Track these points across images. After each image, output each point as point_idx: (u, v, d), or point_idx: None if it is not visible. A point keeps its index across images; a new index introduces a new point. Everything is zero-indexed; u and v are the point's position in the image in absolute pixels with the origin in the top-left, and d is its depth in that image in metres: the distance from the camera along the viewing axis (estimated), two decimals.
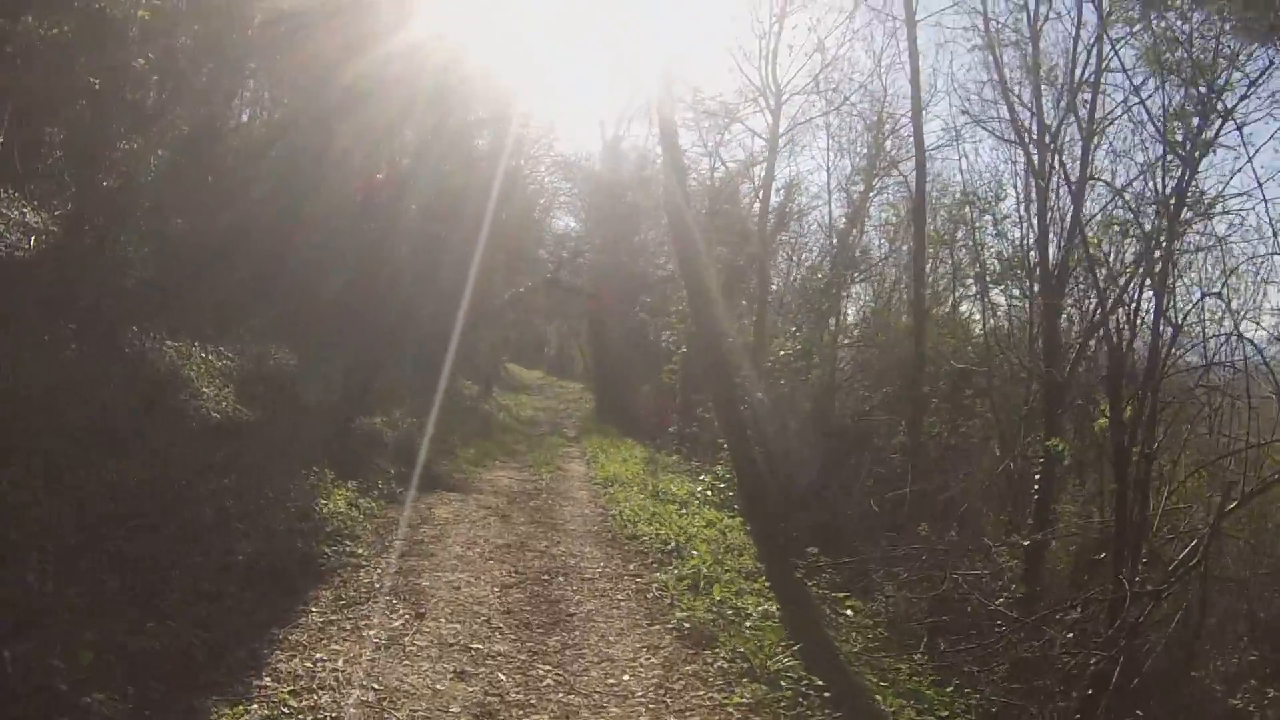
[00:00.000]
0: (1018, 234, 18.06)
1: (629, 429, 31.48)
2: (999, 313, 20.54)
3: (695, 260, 16.56)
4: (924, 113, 26.20)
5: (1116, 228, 13.05)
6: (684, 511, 15.01)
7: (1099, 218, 14.73)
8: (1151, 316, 11.36)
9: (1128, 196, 13.20)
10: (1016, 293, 19.11)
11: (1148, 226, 12.18)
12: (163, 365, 13.13)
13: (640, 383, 40.84)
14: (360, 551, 10.52)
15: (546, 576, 10.39)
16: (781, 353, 21.71)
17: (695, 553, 11.55)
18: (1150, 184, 12.77)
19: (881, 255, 26.49)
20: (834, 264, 24.78)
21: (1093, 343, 15.89)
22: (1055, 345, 15.74)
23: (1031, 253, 17.15)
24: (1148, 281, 11.46)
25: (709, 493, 16.83)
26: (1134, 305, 12.16)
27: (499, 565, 10.69)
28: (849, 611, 10.72)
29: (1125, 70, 13.00)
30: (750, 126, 27.05)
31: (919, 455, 15.14)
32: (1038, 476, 14.77)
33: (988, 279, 19.51)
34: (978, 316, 22.09)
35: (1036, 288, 16.94)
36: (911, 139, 19.42)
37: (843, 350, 23.65)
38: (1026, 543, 12.30)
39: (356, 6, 15.01)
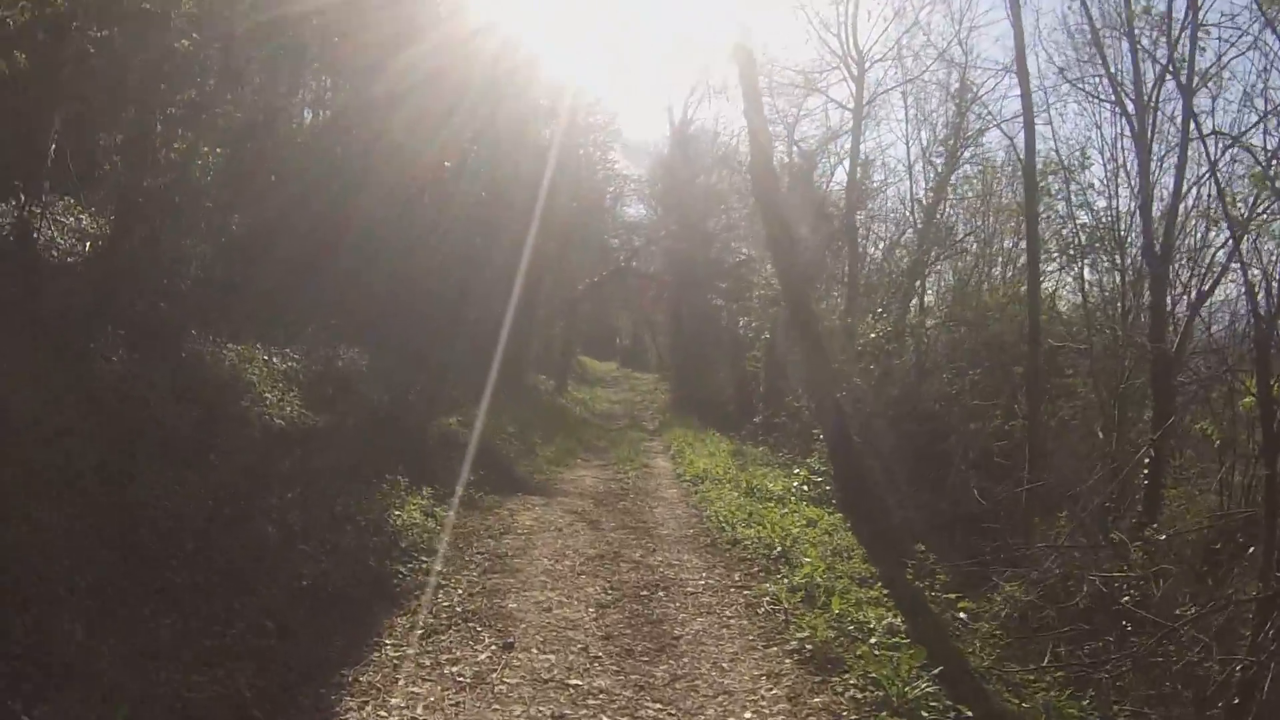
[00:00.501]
0: (1102, 203, 16.88)
1: (709, 419, 30.40)
2: (1088, 287, 19.25)
3: (784, 240, 15.43)
4: (1011, 74, 24.95)
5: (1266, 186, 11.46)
6: (783, 510, 13.86)
7: (1242, 174, 13.16)
8: None
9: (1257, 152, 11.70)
10: (1106, 265, 17.67)
11: None
12: (223, 370, 12.28)
13: (717, 371, 39.85)
14: (439, 568, 9.54)
15: (645, 592, 9.28)
16: (872, 335, 20.34)
17: (805, 559, 10.36)
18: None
19: (966, 230, 24.94)
20: (921, 239, 23.35)
21: (1203, 314, 14.54)
22: (1161, 317, 14.28)
23: (1123, 221, 15.80)
24: None
25: (805, 487, 15.65)
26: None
27: (592, 580, 9.61)
28: (962, 614, 9.56)
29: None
30: (833, 97, 25.49)
31: (1035, 442, 13.73)
32: (1148, 462, 13.35)
33: (1073, 251, 18.02)
34: (1062, 292, 20.74)
35: (1130, 259, 15.62)
36: (1003, 101, 17.95)
37: (930, 331, 22.17)
38: (1163, 537, 10.90)
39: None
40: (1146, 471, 13.11)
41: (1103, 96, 15.48)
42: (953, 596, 10.13)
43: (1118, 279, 16.26)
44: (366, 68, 14.62)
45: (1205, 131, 13.62)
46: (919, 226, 24.74)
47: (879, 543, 12.11)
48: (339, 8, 13.73)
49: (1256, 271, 11.11)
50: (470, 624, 7.95)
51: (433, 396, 18.47)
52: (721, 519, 12.82)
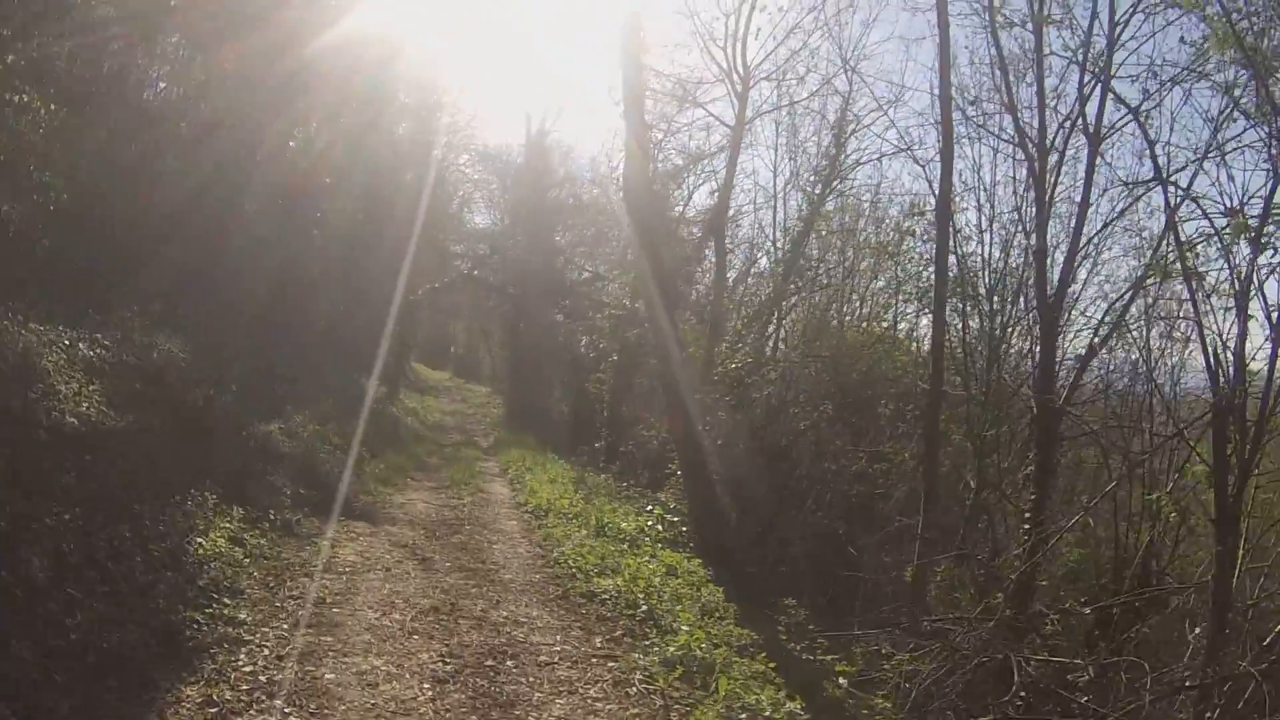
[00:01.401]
0: (973, 248, 16.09)
1: (545, 438, 29.05)
2: (952, 331, 18.89)
3: (655, 258, 14.19)
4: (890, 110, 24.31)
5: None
6: (636, 552, 12.58)
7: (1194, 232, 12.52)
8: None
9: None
10: (986, 310, 17.14)
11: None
12: (10, 354, 10.26)
13: (552, 388, 38.58)
14: (243, 617, 7.83)
15: (491, 661, 7.74)
16: (732, 365, 19.26)
17: (680, 625, 9.03)
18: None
19: (828, 265, 24.15)
20: (786, 269, 22.43)
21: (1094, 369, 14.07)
22: (1050, 368, 13.65)
23: (1009, 267, 15.29)
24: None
25: (659, 527, 14.37)
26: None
27: (426, 642, 8.03)
28: (843, 681, 8.54)
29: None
30: (712, 112, 24.17)
31: (930, 489, 12.82)
32: (1028, 514, 12.63)
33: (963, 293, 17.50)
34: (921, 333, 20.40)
35: (1014, 307, 15.11)
36: (883, 135, 17.19)
37: (787, 365, 21.27)
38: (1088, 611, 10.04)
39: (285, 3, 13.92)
40: (1027, 525, 12.35)
41: (1004, 137, 14.78)
42: (833, 660, 9.08)
43: (995, 325, 15.61)
44: (254, 71, 13.63)
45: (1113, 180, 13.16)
46: (783, 255, 23.88)
47: (745, 596, 10.97)
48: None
49: (1211, 330, 10.28)
50: (276, 701, 6.32)
51: (256, 398, 16.58)
52: (572, 563, 11.41)
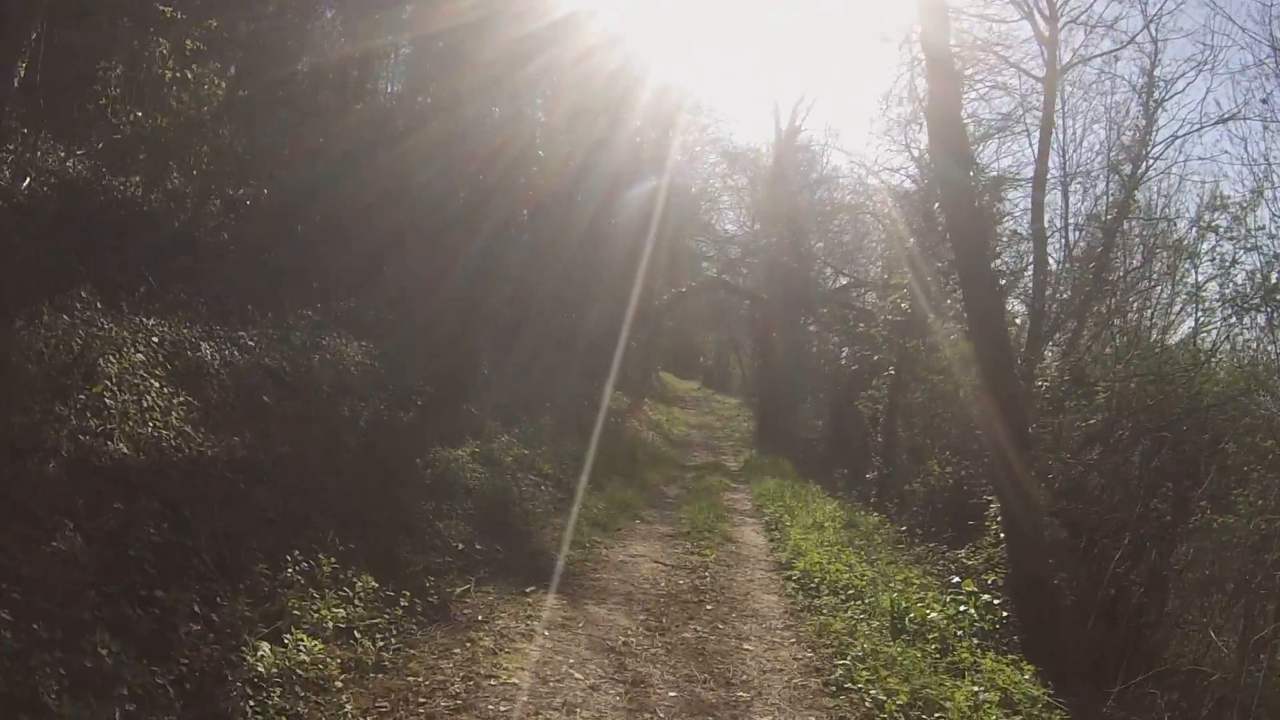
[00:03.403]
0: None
1: (799, 459, 24.46)
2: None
3: (978, 254, 9.42)
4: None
5: None
6: (953, 660, 7.86)
7: None
8: None
9: None
10: None
11: None
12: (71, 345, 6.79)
13: (805, 402, 34.15)
14: None
15: None
16: (1066, 376, 13.87)
17: None
18: None
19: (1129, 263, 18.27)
20: (1097, 267, 16.82)
21: None
22: None
23: None
24: None
25: (973, 611, 9.45)
26: None
27: None
28: None
29: None
30: (1014, 63, 18.53)
31: None
32: None
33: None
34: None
35: None
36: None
37: (1115, 385, 15.60)
38: None
39: (528, 14, 12.81)
40: None
41: None
42: None
43: None
44: (489, 75, 12.39)
45: None
46: (1088, 248, 18.39)
47: None
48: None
49: None
50: None
51: (447, 415, 12.82)
52: (868, 691, 6.76)
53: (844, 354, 30.31)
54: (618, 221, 21.56)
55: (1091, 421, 12.61)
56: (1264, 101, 15.07)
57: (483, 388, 14.73)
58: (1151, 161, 17.81)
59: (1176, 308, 16.99)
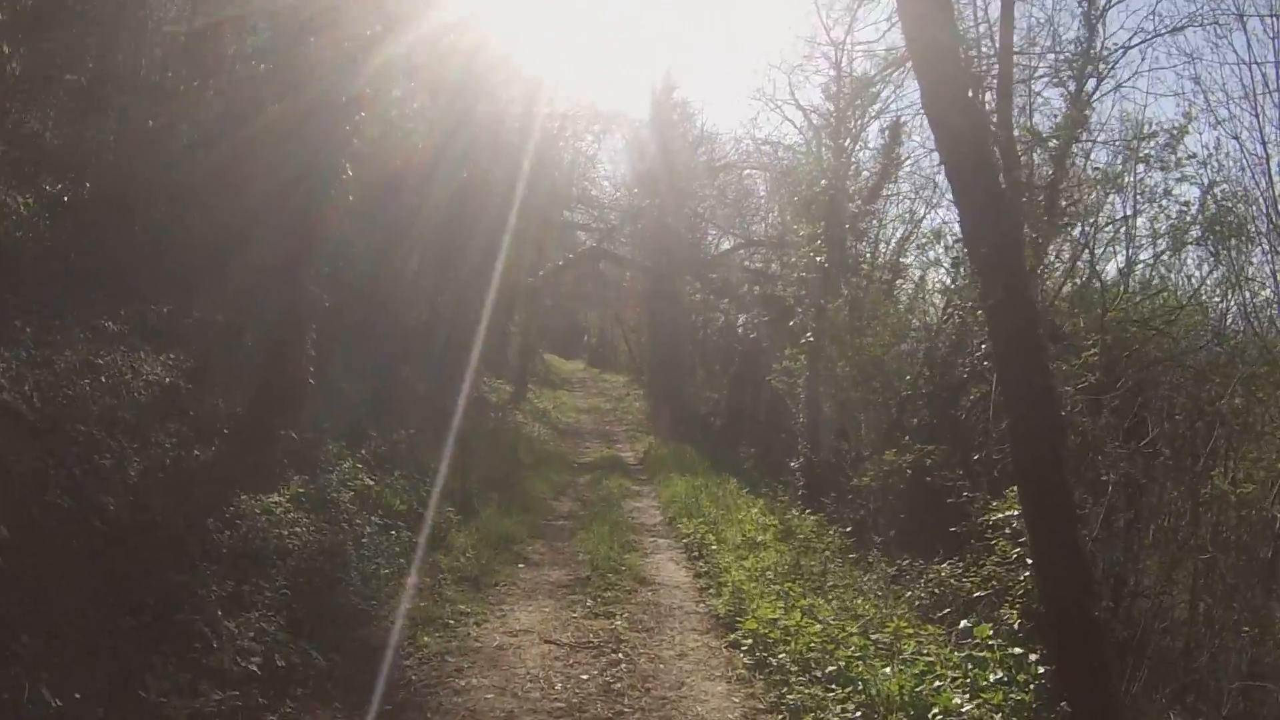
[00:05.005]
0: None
1: (701, 441, 21.66)
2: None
3: (979, 161, 6.37)
4: None
5: None
6: None
7: None
8: None
9: None
10: None
11: None
12: None
13: (696, 373, 31.49)
14: None
15: None
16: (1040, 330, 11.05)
17: None
18: None
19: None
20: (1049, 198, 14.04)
21: None
22: None
23: None
24: None
25: (1018, 694, 6.41)
26: None
27: None
28: None
29: None
30: None
31: None
32: None
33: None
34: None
35: None
36: None
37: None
38: None
39: None
40: None
41: None
42: None
43: None
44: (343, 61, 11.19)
45: None
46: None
47: None
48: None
49: None
50: None
51: (258, 443, 9.48)
52: None
53: (741, 321, 27.46)
54: (482, 200, 18.79)
55: (1083, 385, 9.83)
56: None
57: (315, 402, 11.29)
58: (1098, 80, 15.13)
59: (1105, 242, 14.52)
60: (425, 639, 7.12)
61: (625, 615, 8.12)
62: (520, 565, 9.84)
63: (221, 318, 11.21)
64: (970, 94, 6.92)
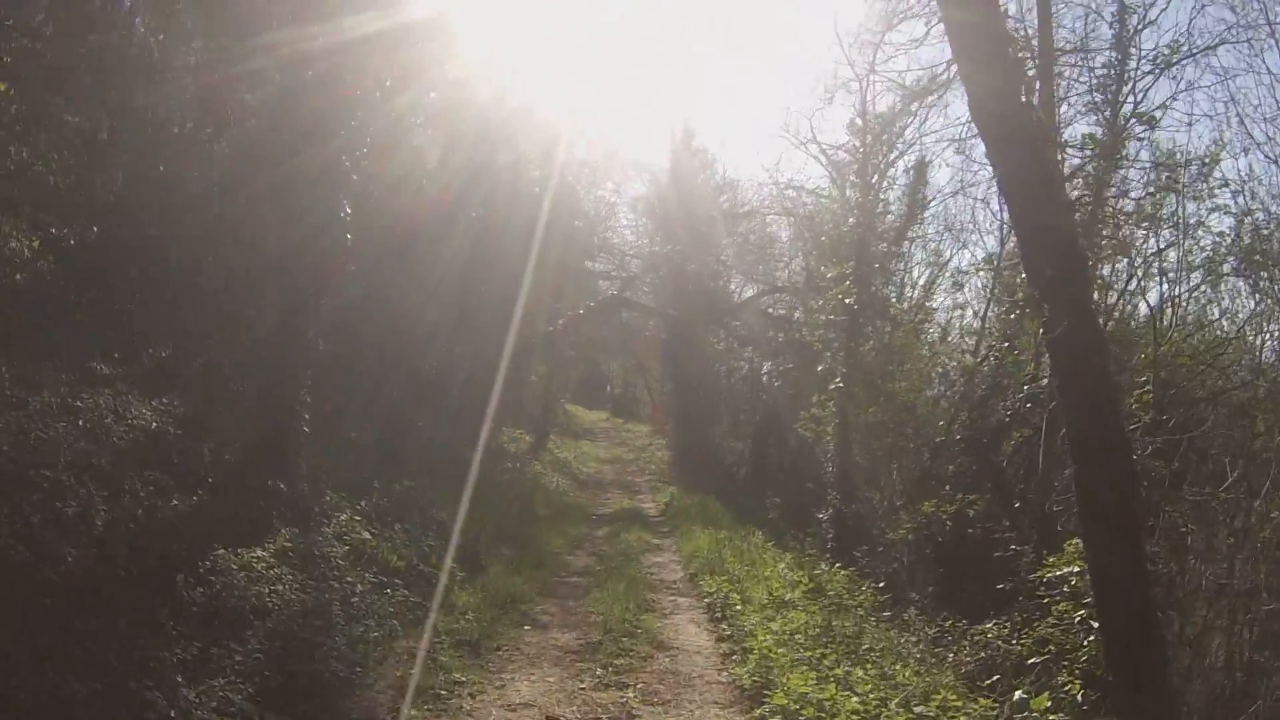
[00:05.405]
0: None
1: (724, 492, 20.84)
2: None
3: (1036, 174, 5.63)
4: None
5: None
6: None
7: None
8: None
9: None
10: None
11: None
12: None
13: (721, 422, 30.63)
14: None
15: None
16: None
17: None
18: None
19: None
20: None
21: None
22: None
23: None
24: None
25: None
26: None
27: None
28: None
29: None
30: None
31: None
32: None
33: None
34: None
35: None
36: None
37: None
38: None
39: (405, 40, 11.47)
40: None
41: None
42: None
43: None
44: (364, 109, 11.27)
45: None
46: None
47: None
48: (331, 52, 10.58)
49: None
50: None
51: (245, 494, 8.80)
52: None
53: (765, 369, 26.64)
54: (501, 248, 18.41)
55: (1136, 425, 8.96)
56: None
57: (315, 452, 10.58)
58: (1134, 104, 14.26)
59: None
60: (412, 712, 6.31)
61: (639, 686, 7.29)
62: (526, 627, 9.01)
63: (228, 365, 10.90)
64: (1024, 98, 6.17)
